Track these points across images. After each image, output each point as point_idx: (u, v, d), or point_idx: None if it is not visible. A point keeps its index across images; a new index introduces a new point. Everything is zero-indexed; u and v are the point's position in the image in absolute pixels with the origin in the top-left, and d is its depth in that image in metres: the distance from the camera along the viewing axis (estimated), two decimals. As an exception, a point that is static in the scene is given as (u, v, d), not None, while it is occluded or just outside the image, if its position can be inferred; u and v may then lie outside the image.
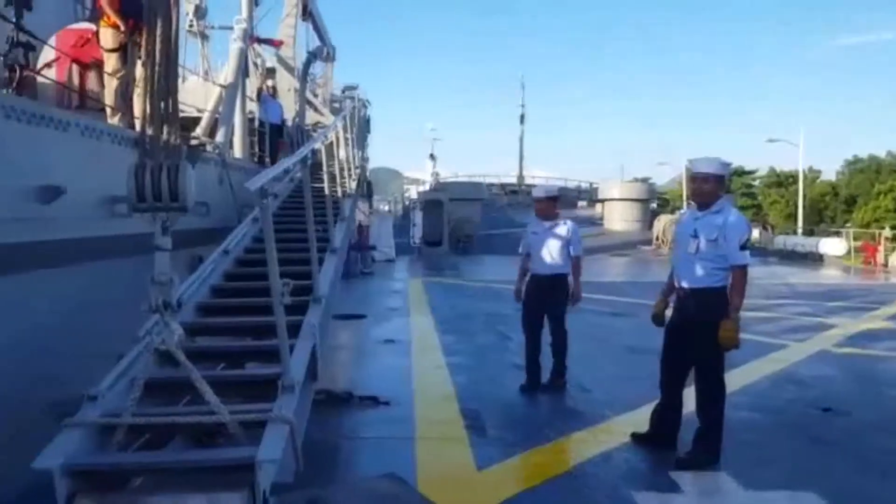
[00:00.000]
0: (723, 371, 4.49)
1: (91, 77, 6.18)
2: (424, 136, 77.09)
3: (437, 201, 27.90)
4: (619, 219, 33.33)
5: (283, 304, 3.20)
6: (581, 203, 38.77)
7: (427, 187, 35.13)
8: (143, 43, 3.15)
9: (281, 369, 3.31)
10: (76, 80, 6.09)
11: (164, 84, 3.06)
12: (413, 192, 38.39)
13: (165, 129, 3.06)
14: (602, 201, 35.49)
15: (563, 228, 6.28)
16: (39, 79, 5.60)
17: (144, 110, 3.12)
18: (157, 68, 3.04)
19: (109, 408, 3.04)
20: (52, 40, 6.04)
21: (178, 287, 3.61)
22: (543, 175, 46.72)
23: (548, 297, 6.22)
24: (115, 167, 3.43)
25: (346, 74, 45.77)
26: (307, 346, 3.83)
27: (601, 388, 6.27)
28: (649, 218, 32.51)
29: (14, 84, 4.32)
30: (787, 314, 11.65)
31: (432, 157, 42.30)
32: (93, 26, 6.12)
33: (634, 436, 4.81)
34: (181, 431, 3.12)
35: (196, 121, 8.32)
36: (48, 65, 6.07)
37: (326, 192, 6.23)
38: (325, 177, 6.45)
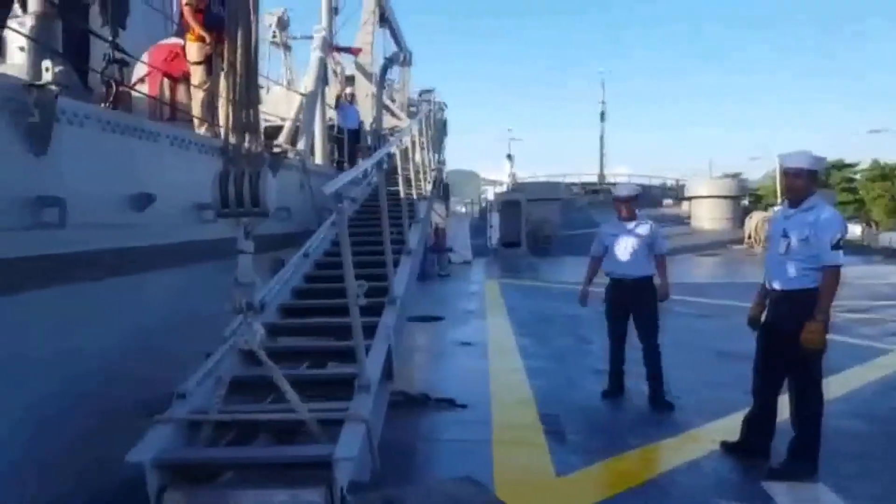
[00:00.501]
0: (821, 377, 4.22)
1: (181, 90, 6.50)
2: (502, 137, 77.09)
3: (515, 202, 27.76)
4: (707, 217, 32.06)
5: (359, 306, 3.25)
6: (667, 201, 37.56)
7: (504, 188, 35.01)
8: (225, 54, 3.28)
9: (357, 369, 3.36)
10: (167, 94, 6.42)
11: (246, 94, 3.18)
12: (490, 194, 38.34)
13: (248, 138, 3.18)
14: (689, 199, 34.23)
15: (643, 228, 5.97)
16: (134, 93, 5.93)
17: (228, 120, 3.26)
18: (238, 79, 3.16)
19: (197, 405, 3.18)
20: (145, 56, 6.38)
21: (261, 289, 3.75)
22: (627, 173, 45.88)
23: (634, 302, 5.87)
24: (201, 175, 3.59)
25: (423, 78, 46.41)
26: (382, 347, 3.88)
27: (688, 394, 5.98)
28: (740, 215, 31.04)
29: (110, 99, 4.60)
30: (892, 317, 10.84)
31: (510, 157, 42.10)
32: (182, 41, 6.44)
33: (724, 444, 4.60)
34: (265, 429, 3.23)
35: (280, 129, 8.60)
36: (141, 80, 6.42)
37: (402, 194, 6.29)
38: (401, 180, 6.52)
